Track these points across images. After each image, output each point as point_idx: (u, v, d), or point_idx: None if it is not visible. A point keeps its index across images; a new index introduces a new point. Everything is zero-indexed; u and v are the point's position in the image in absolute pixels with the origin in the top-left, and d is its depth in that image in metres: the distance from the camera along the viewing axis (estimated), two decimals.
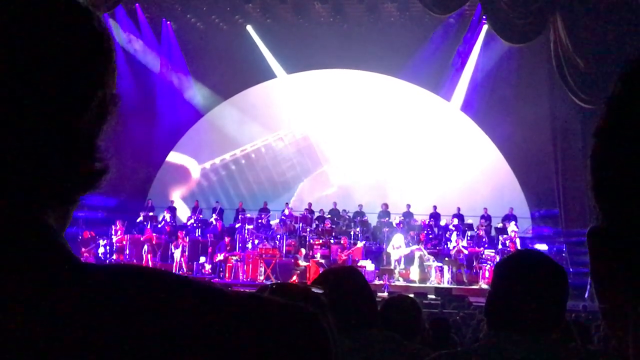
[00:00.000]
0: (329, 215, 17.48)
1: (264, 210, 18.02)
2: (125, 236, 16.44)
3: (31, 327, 0.58)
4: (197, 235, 17.03)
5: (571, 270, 13.80)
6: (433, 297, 13.18)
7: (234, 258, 15.57)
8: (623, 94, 0.56)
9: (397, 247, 15.26)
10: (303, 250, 15.33)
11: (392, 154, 19.66)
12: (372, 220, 17.63)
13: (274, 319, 0.63)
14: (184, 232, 16.52)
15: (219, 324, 0.61)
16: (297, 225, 17.03)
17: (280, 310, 0.64)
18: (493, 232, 16.73)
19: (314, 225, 16.99)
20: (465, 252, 15.48)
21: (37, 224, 0.63)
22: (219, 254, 15.74)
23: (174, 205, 18.43)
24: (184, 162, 20.79)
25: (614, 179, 0.56)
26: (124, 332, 0.59)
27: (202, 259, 15.97)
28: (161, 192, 19.81)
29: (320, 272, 2.37)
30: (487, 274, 14.41)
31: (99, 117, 0.68)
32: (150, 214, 17.86)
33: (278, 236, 16.53)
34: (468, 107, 18.95)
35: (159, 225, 17.43)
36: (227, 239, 16.13)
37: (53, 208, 0.66)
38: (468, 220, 17.08)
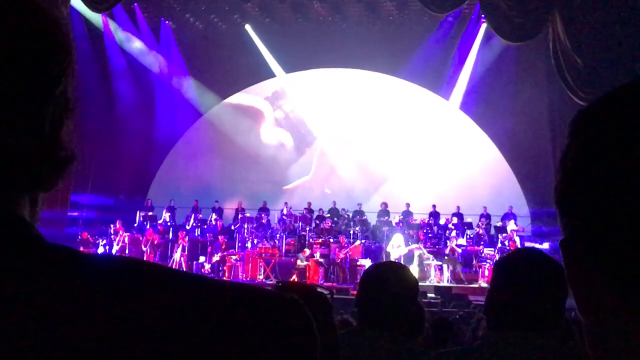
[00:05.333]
0: (329, 215, 17.46)
1: (264, 209, 18.01)
2: (125, 235, 16.43)
3: (7, 322, 0.57)
4: (196, 234, 17.03)
5: None
6: (433, 295, 13.18)
7: (234, 257, 15.55)
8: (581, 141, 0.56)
9: (396, 246, 15.25)
10: (307, 251, 15.29)
11: (391, 153, 19.66)
12: (372, 219, 17.61)
13: (259, 307, 0.64)
14: (184, 232, 16.50)
15: (203, 313, 0.62)
16: (296, 225, 17.03)
17: (265, 298, 0.66)
18: (492, 231, 16.72)
19: (313, 225, 17.00)
20: (459, 250, 15.49)
21: (6, 213, 0.63)
22: (215, 255, 15.71)
23: (173, 205, 18.40)
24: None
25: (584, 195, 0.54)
26: (108, 325, 0.59)
27: (202, 259, 15.96)
28: (160, 192, 19.79)
29: (372, 265, 2.44)
30: (486, 273, 14.42)
31: (62, 108, 0.70)
32: (150, 213, 17.86)
33: (278, 235, 16.52)
34: (467, 105, 18.94)
35: (160, 221, 17.42)
36: (220, 238, 16.08)
37: (20, 197, 0.66)
38: (467, 219, 17.08)
